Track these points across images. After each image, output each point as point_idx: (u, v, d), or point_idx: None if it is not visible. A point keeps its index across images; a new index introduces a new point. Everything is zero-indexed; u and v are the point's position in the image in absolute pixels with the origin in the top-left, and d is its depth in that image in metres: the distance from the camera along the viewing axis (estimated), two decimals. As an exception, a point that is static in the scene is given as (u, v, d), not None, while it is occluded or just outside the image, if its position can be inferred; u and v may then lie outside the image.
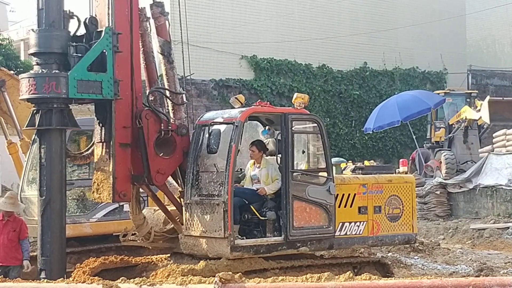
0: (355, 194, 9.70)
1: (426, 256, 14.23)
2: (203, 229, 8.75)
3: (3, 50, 22.64)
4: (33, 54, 8.73)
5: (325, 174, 9.44)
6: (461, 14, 32.45)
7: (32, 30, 8.72)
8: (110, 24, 8.59)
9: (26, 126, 8.82)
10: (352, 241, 9.71)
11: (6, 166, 16.15)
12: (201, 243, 8.80)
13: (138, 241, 9.45)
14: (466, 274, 11.87)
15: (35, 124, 8.64)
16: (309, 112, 9.64)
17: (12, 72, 13.36)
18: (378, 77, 29.70)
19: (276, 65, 26.96)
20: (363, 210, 9.75)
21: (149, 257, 9.77)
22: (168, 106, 9.63)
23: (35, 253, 10.95)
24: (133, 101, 8.83)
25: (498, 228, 17.00)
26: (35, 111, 8.64)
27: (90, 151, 9.42)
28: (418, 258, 13.88)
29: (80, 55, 8.48)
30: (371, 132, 24.28)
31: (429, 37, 30.87)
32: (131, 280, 7.68)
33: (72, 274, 8.92)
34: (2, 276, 8.72)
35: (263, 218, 9.03)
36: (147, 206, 10.68)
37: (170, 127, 9.00)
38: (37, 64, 8.63)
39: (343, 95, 28.45)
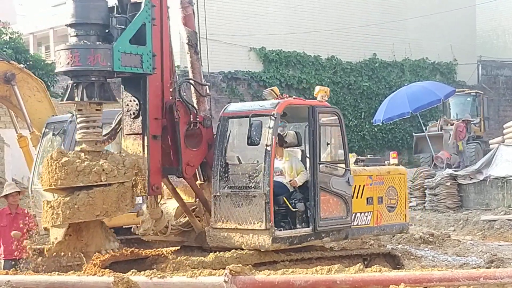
0: (364, 186, 9.84)
1: (437, 247, 14.22)
2: (238, 221, 8.71)
3: (12, 43, 22.64)
4: (71, 25, 8.20)
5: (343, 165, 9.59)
6: (471, 4, 32.29)
7: None
8: None
9: (66, 100, 8.37)
10: (362, 231, 9.86)
11: (17, 160, 16.19)
12: (235, 236, 8.74)
13: (151, 234, 9.38)
14: (477, 266, 11.85)
15: (74, 98, 8.23)
16: (330, 105, 9.73)
17: (21, 65, 13.36)
18: (388, 68, 29.61)
19: (285, 57, 26.91)
20: (370, 200, 9.91)
21: (159, 249, 9.79)
22: (192, 97, 9.57)
23: (43, 246, 11.00)
24: (163, 92, 8.65)
25: (508, 220, 16.96)
26: (74, 84, 8.21)
27: (106, 137, 9.26)
28: (428, 250, 13.86)
29: (122, 27, 8.15)
30: (380, 124, 24.25)
31: (439, 28, 30.73)
32: (142, 272, 7.70)
33: (83, 266, 8.96)
34: (14, 269, 8.77)
35: (294, 209, 9.07)
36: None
37: (197, 119, 8.94)
38: (76, 35, 8.13)
39: (353, 87, 28.38)
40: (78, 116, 8.34)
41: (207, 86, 9.65)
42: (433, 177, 19.48)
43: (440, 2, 30.60)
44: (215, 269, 7.68)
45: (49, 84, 20.84)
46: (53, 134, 11.78)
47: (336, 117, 9.58)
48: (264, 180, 8.59)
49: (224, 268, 7.20)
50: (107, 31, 8.22)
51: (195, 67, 9.56)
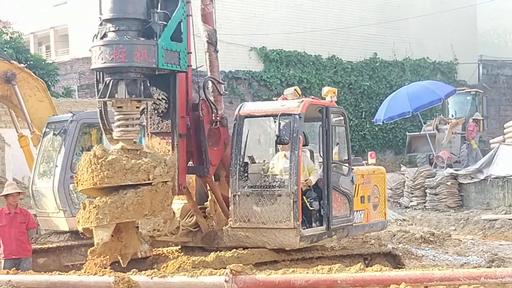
0: (359, 185, 9.94)
1: (437, 247, 14.20)
2: (261, 220, 8.70)
3: (13, 43, 22.65)
4: (109, 20, 7.91)
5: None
6: (471, 4, 32.26)
7: None
8: None
9: (108, 97, 7.95)
10: (358, 228, 9.98)
11: (17, 159, 16.20)
12: (258, 235, 8.73)
13: (162, 235, 9.32)
14: (478, 265, 11.84)
15: (115, 95, 7.90)
16: (337, 106, 9.81)
17: (22, 65, 13.36)
18: (388, 68, 29.59)
19: (285, 56, 26.89)
20: (362, 199, 10.03)
21: (160, 249, 9.77)
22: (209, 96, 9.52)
23: (46, 245, 11.01)
24: (187, 90, 8.66)
25: (509, 219, 16.95)
26: (114, 81, 7.90)
27: None
28: (429, 249, 13.85)
29: (164, 22, 7.97)
30: (381, 123, 24.24)
31: (440, 27, 30.71)
32: (142, 272, 7.70)
33: (83, 266, 8.96)
34: (14, 268, 8.77)
35: (311, 208, 9.11)
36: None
37: (218, 118, 8.93)
38: (117, 30, 7.82)
39: (353, 86, 28.37)
40: (116, 113, 8.10)
41: (223, 85, 9.67)
42: (434, 177, 19.47)
43: (441, 2, 30.59)
44: (216, 269, 7.68)
45: (49, 83, 20.85)
46: (54, 134, 11.79)
47: (342, 118, 9.73)
48: (291, 179, 8.62)
49: (225, 268, 7.19)
50: (144, 25, 7.98)
51: (214, 65, 9.52)
